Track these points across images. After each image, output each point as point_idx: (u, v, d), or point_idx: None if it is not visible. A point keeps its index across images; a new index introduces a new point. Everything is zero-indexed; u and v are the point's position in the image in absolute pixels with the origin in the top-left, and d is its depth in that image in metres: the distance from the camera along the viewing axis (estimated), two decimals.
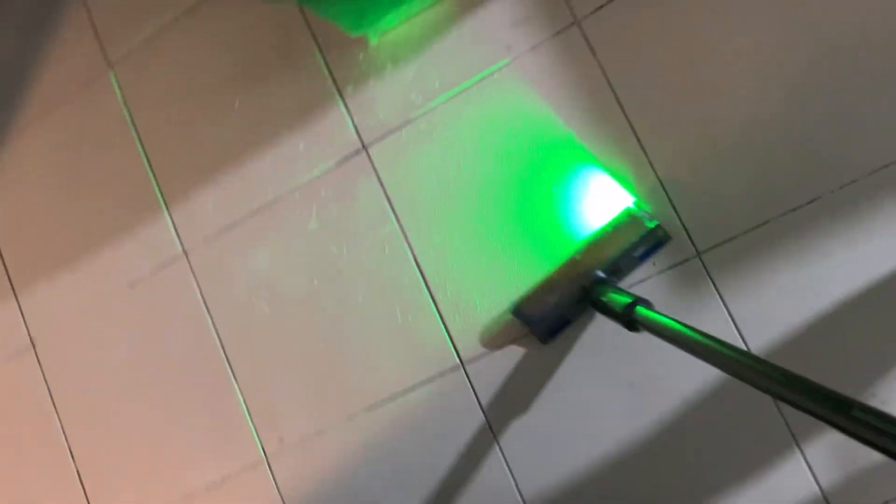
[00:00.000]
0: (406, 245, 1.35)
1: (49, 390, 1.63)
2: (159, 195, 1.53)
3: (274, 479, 1.44)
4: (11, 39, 1.68)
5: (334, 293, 1.40)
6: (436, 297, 1.33)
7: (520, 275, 1.28)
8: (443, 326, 1.33)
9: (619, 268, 1.20)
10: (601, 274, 1.19)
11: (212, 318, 1.50)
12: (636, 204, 1.21)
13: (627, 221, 1.19)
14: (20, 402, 1.65)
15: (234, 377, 1.47)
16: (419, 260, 1.35)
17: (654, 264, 1.22)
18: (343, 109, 1.41)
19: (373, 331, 1.37)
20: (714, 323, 1.20)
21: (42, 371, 1.63)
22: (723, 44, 1.20)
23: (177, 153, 1.53)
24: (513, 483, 1.29)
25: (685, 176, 1.20)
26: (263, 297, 1.45)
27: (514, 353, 1.29)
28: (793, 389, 0.61)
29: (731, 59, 1.19)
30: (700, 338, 0.80)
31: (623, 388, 1.24)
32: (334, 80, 1.41)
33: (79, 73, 1.62)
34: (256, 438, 1.45)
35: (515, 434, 1.29)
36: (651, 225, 1.18)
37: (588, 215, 1.25)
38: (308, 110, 1.43)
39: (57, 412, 1.62)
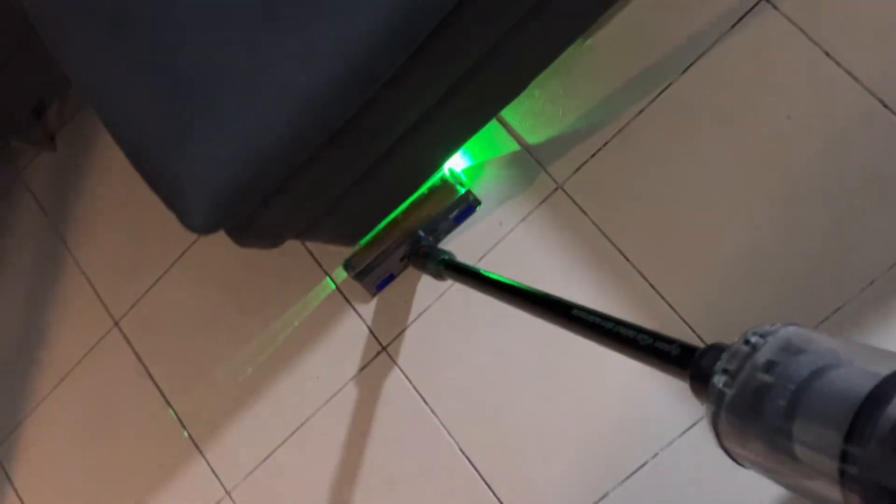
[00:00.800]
0: (449, 438, 1.33)
1: None
2: (191, 441, 1.51)
3: None
4: (17, 315, 1.70)
5: (391, 494, 1.37)
6: (492, 486, 1.30)
7: (571, 444, 1.26)
8: None
9: (436, 229, 1.33)
10: (421, 234, 1.32)
11: None
12: (451, 171, 1.33)
13: (441, 187, 1.32)
14: None
15: None
16: (465, 450, 1.32)
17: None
18: (356, 315, 1.41)
19: None
20: None
21: None
22: (708, 178, 1.23)
23: (200, 395, 1.52)
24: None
25: (708, 313, 1.21)
26: None
27: None
28: (537, 303, 0.86)
29: (718, 191, 1.22)
30: (489, 276, 1.02)
31: None
32: (340, 290, 1.43)
33: (87, 336, 1.63)
34: None
35: None
36: (461, 190, 1.31)
37: None
38: (321, 324, 1.44)
39: None
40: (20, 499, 1.67)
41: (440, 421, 1.34)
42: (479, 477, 1.31)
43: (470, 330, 1.34)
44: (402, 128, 1.08)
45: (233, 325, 1.51)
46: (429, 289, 1.37)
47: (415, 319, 1.38)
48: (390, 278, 1.38)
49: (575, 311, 0.77)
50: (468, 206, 1.33)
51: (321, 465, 1.42)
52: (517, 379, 1.30)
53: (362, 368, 1.40)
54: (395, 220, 1.33)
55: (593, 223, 1.28)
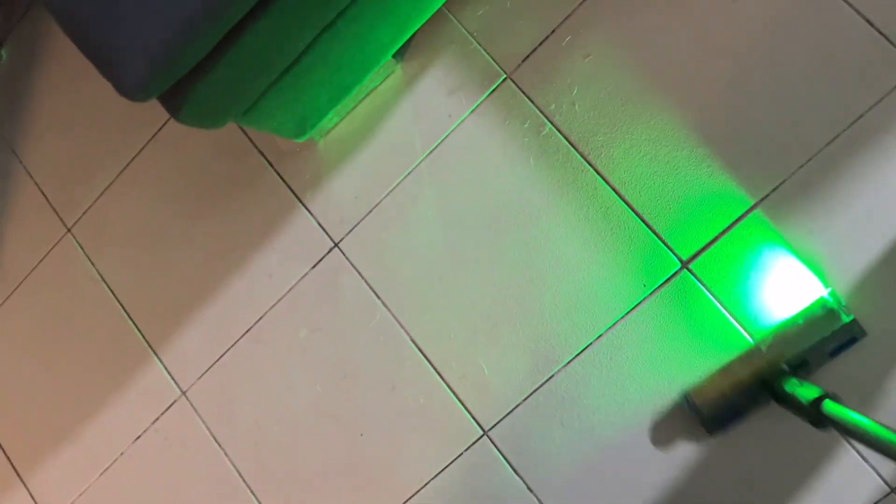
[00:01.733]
0: (401, 330, 1.34)
1: None
2: (145, 343, 1.52)
3: None
4: None
5: (341, 395, 1.38)
6: (443, 374, 1.32)
7: (520, 330, 1.28)
8: (457, 401, 1.31)
9: (806, 362, 1.11)
10: (786, 368, 1.10)
11: (224, 452, 1.46)
12: (832, 294, 1.12)
13: (821, 313, 1.11)
14: None
15: None
16: (417, 341, 1.33)
17: (644, 285, 1.22)
18: (307, 213, 1.41)
19: (389, 424, 1.34)
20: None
21: None
22: (659, 63, 1.23)
23: (153, 297, 1.52)
24: None
25: (661, 202, 1.22)
26: (272, 417, 1.43)
27: (531, 406, 1.27)
28: None
29: (669, 76, 1.23)
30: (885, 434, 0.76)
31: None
32: (291, 189, 1.43)
33: (39, 244, 1.61)
34: None
35: (556, 492, 1.26)
36: (847, 319, 1.10)
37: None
38: (272, 224, 1.43)
39: None
40: None
41: (392, 314, 1.35)
42: (429, 366, 1.32)
43: (420, 224, 1.35)
44: None
45: (184, 229, 1.50)
46: (378, 185, 1.37)
47: (365, 215, 1.38)
48: (737, 416, 1.15)
49: None
50: (852, 337, 1.11)
51: (275, 363, 1.43)
52: (467, 268, 1.31)
53: (314, 265, 1.41)
54: (754, 348, 1.15)
55: (541, 111, 1.28)
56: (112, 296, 1.55)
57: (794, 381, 1.05)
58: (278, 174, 1.43)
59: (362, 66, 1.26)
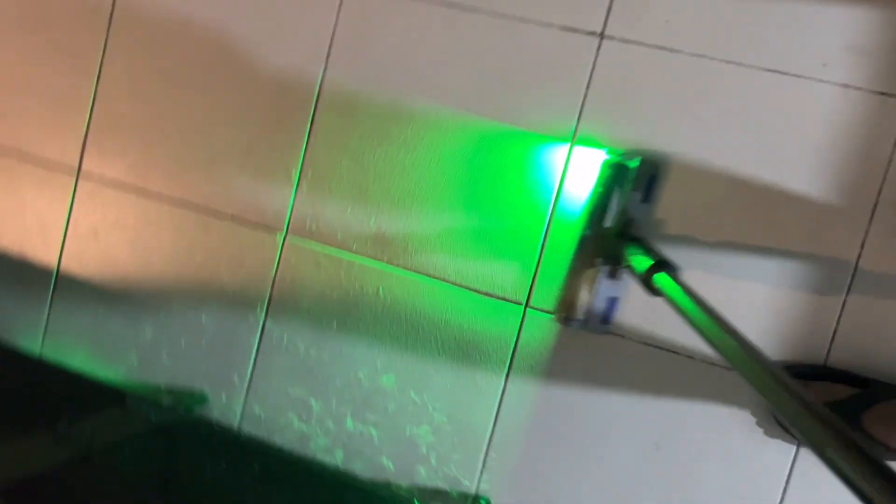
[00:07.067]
0: None
1: None
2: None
3: None
4: None
5: None
6: None
7: None
8: None
9: (629, 219, 1.05)
10: (616, 236, 1.04)
11: None
12: (609, 153, 1.07)
13: (612, 173, 1.06)
14: None
15: None
16: None
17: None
18: None
19: None
20: None
21: None
22: None
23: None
24: None
25: None
26: None
27: None
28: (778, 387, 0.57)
29: None
30: (705, 322, 0.71)
31: None
32: None
33: None
34: None
35: None
36: (634, 164, 1.04)
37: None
38: None
39: None
40: None
41: None
42: None
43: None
44: None
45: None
46: None
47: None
48: (615, 302, 1.06)
49: None
50: (650, 177, 1.03)
51: None
52: None
53: None
54: (581, 239, 1.05)
55: None
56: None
57: (630, 247, 0.99)
58: None
59: None
